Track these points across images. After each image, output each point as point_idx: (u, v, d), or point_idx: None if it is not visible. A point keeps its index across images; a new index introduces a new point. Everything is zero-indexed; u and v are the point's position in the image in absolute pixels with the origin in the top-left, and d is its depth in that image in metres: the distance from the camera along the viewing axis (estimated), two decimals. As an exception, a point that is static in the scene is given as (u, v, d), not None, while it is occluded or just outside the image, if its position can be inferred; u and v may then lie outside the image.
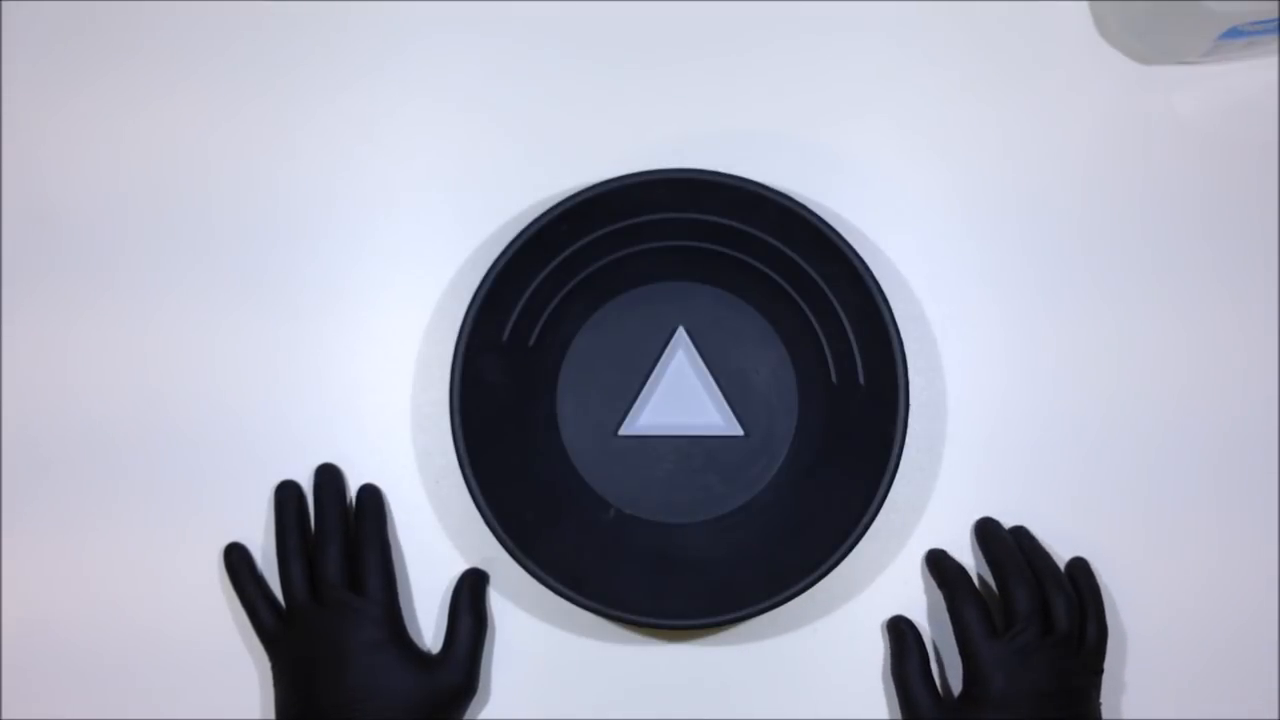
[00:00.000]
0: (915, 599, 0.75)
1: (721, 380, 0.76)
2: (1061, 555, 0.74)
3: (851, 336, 0.73)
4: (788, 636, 0.75)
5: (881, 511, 0.70)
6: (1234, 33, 0.72)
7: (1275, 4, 0.69)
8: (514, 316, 0.73)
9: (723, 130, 0.78)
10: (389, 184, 0.78)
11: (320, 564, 0.72)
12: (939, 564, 0.74)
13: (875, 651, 0.75)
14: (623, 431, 0.76)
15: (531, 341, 0.75)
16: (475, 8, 0.79)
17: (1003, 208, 0.77)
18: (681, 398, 0.76)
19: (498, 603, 0.75)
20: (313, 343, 0.77)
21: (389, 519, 0.75)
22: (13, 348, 0.77)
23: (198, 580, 0.76)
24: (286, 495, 0.75)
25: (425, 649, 0.74)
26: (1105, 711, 0.72)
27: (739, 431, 0.76)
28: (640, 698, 0.75)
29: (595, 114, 0.78)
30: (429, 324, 0.77)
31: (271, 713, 0.73)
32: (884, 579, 0.75)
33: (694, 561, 0.74)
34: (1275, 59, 0.78)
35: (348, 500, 0.75)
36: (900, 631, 0.73)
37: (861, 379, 0.73)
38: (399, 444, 0.76)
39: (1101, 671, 0.71)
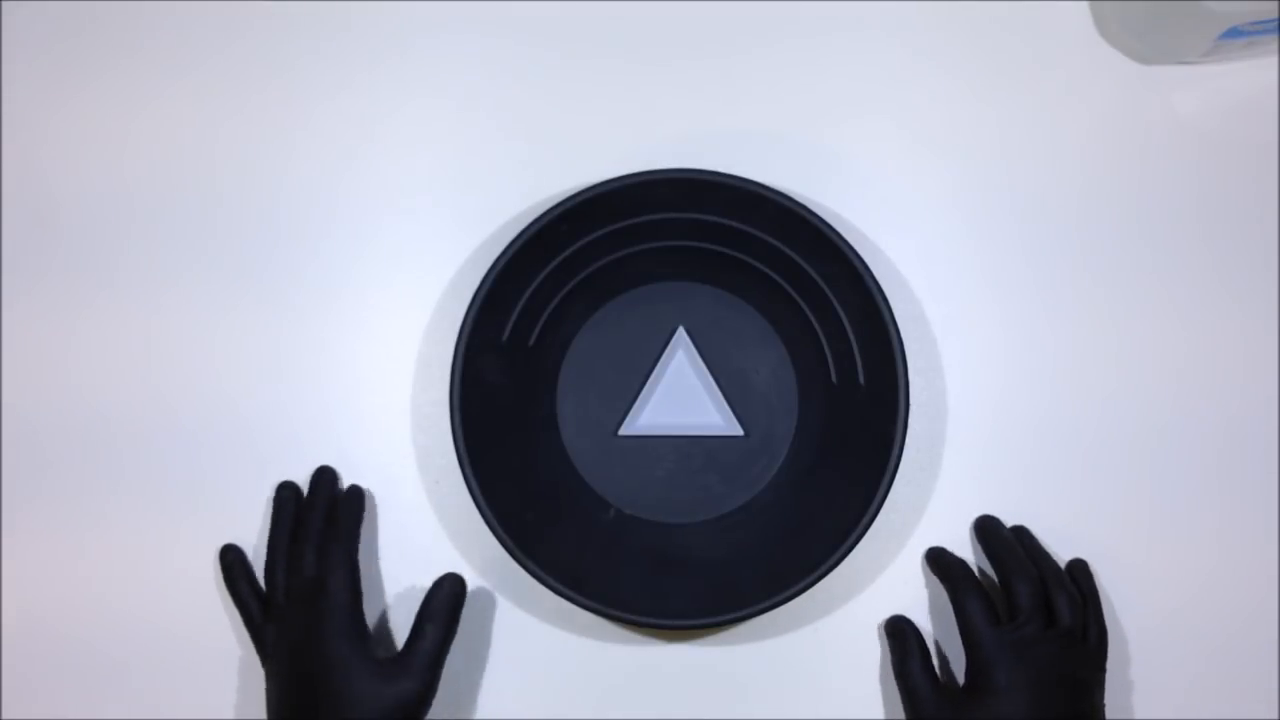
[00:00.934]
0: (915, 599, 0.75)
1: (721, 380, 0.76)
2: (1061, 555, 0.74)
3: (851, 336, 0.73)
4: (788, 636, 0.75)
5: (881, 511, 0.70)
6: (1234, 33, 0.72)
7: (1275, 4, 0.69)
8: (514, 316, 0.73)
9: (723, 130, 0.78)
10: (389, 184, 0.78)
11: (294, 562, 0.72)
12: (940, 559, 0.74)
13: (875, 651, 0.75)
14: (623, 431, 0.76)
15: (531, 341, 0.75)
16: (476, 8, 0.79)
17: (1003, 208, 0.77)
18: (681, 398, 0.76)
19: (498, 602, 0.75)
20: (313, 343, 0.77)
21: (370, 519, 0.75)
22: (12, 347, 0.77)
23: (196, 578, 0.76)
24: (284, 496, 0.75)
25: (393, 650, 0.74)
26: (1109, 711, 0.72)
27: (739, 431, 0.76)
28: (640, 698, 0.75)
29: (595, 114, 0.78)
30: (429, 324, 0.77)
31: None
32: (884, 579, 0.75)
33: (694, 561, 0.74)
34: (1275, 59, 0.78)
35: (336, 501, 0.75)
36: (900, 631, 0.73)
37: (861, 379, 0.73)
38: (399, 444, 0.76)
39: (1104, 670, 0.71)
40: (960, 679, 0.73)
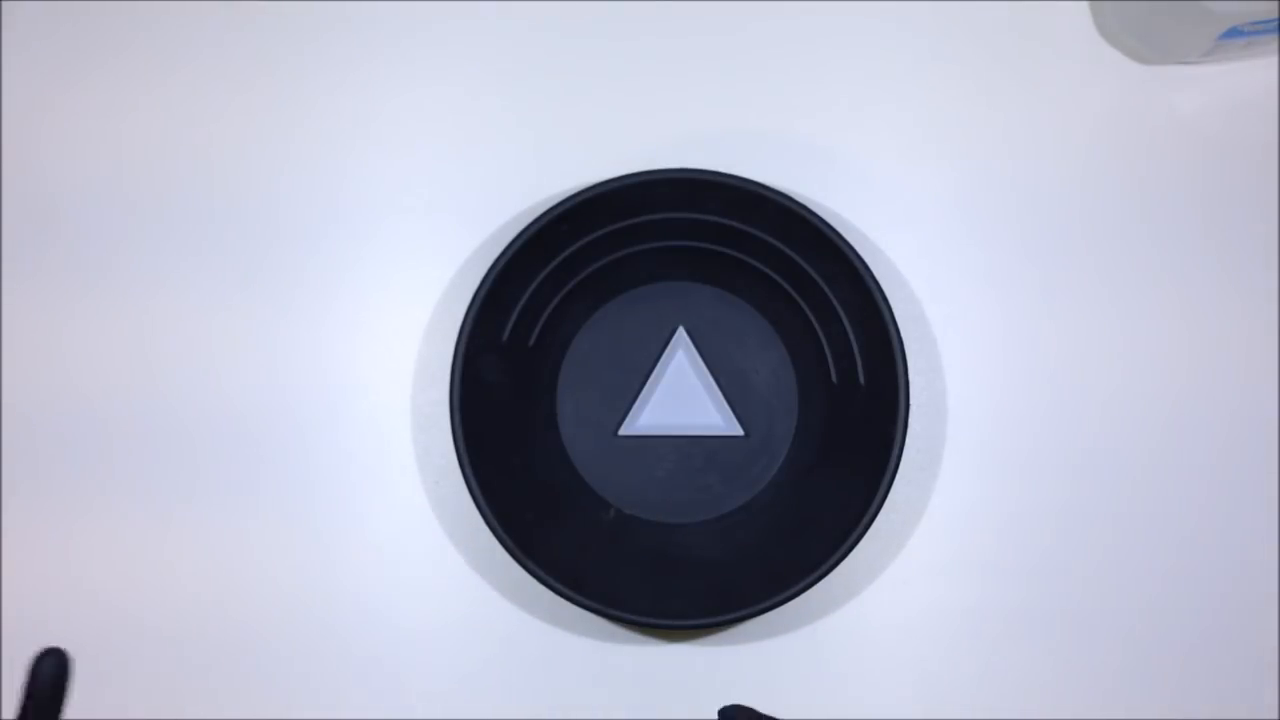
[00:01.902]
0: (915, 599, 0.75)
1: (721, 380, 0.76)
2: (1063, 555, 0.74)
3: (851, 336, 0.73)
4: (788, 636, 0.75)
5: (881, 511, 0.70)
6: (1234, 33, 0.72)
7: (1275, 4, 0.69)
8: (514, 316, 0.73)
9: (723, 130, 0.78)
10: (389, 183, 0.78)
11: None
12: None
13: (876, 652, 0.75)
14: (623, 431, 0.76)
15: (531, 341, 0.75)
16: (476, 7, 0.79)
17: (1003, 207, 0.77)
18: (681, 398, 0.76)
19: (497, 602, 0.75)
20: (312, 342, 0.77)
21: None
22: (12, 346, 0.77)
23: (193, 575, 0.75)
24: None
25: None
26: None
27: (739, 431, 0.76)
28: (640, 698, 0.75)
29: (595, 114, 0.78)
30: (429, 324, 0.77)
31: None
32: (884, 579, 0.75)
33: (694, 561, 0.74)
34: (1275, 59, 0.78)
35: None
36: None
37: (861, 379, 0.73)
38: (399, 444, 0.76)
39: None
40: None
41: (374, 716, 0.74)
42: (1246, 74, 0.78)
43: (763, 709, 0.75)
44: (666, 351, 0.76)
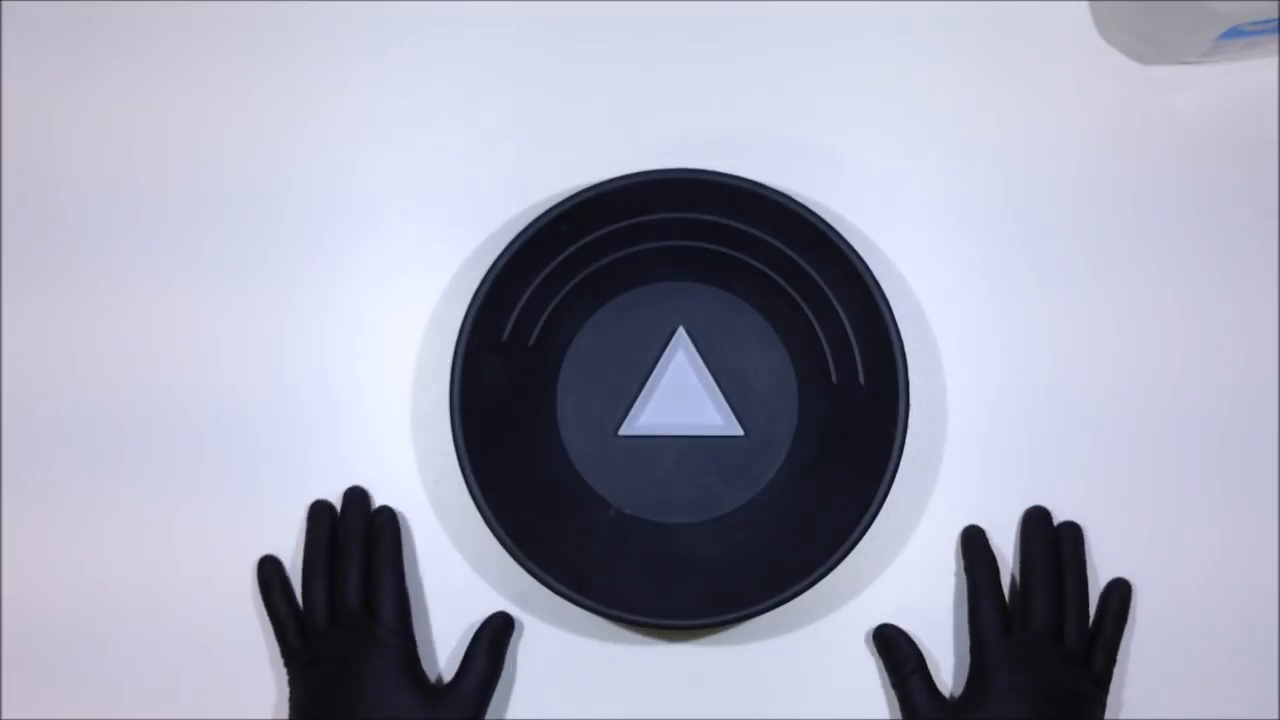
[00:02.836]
0: (915, 599, 0.75)
1: (721, 380, 0.76)
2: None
3: (851, 336, 0.73)
4: (788, 636, 0.75)
5: (881, 511, 0.70)
6: (1234, 33, 0.72)
7: (1275, 4, 0.69)
8: (514, 316, 0.73)
9: (723, 130, 0.78)
10: (389, 184, 0.78)
11: (339, 588, 0.72)
12: (971, 547, 0.73)
13: (875, 652, 0.75)
14: (623, 431, 0.76)
15: (531, 341, 0.75)
16: (477, 7, 0.79)
17: (1003, 207, 0.77)
18: (681, 398, 0.76)
19: (497, 602, 0.75)
20: (313, 342, 0.77)
21: (408, 542, 0.75)
22: (12, 344, 0.77)
23: (194, 572, 0.75)
24: (317, 515, 0.74)
25: (436, 676, 0.74)
26: (1105, 712, 0.72)
27: (739, 431, 0.76)
28: (640, 698, 0.75)
29: (595, 114, 0.78)
30: (429, 324, 0.77)
31: (278, 706, 0.73)
32: (884, 579, 0.75)
33: (694, 561, 0.74)
34: (1275, 59, 0.78)
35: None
36: (890, 639, 0.73)
37: (861, 379, 0.73)
38: (399, 444, 0.76)
39: (1107, 692, 0.71)
40: (950, 682, 0.73)
41: (374, 716, 0.74)
42: (1246, 74, 0.78)
43: (763, 709, 0.75)
44: (666, 351, 0.76)
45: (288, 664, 0.73)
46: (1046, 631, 0.70)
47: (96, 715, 0.75)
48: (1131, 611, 0.74)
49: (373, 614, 0.72)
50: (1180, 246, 0.77)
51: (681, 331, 0.76)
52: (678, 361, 0.76)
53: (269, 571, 0.74)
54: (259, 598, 0.74)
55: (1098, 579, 0.74)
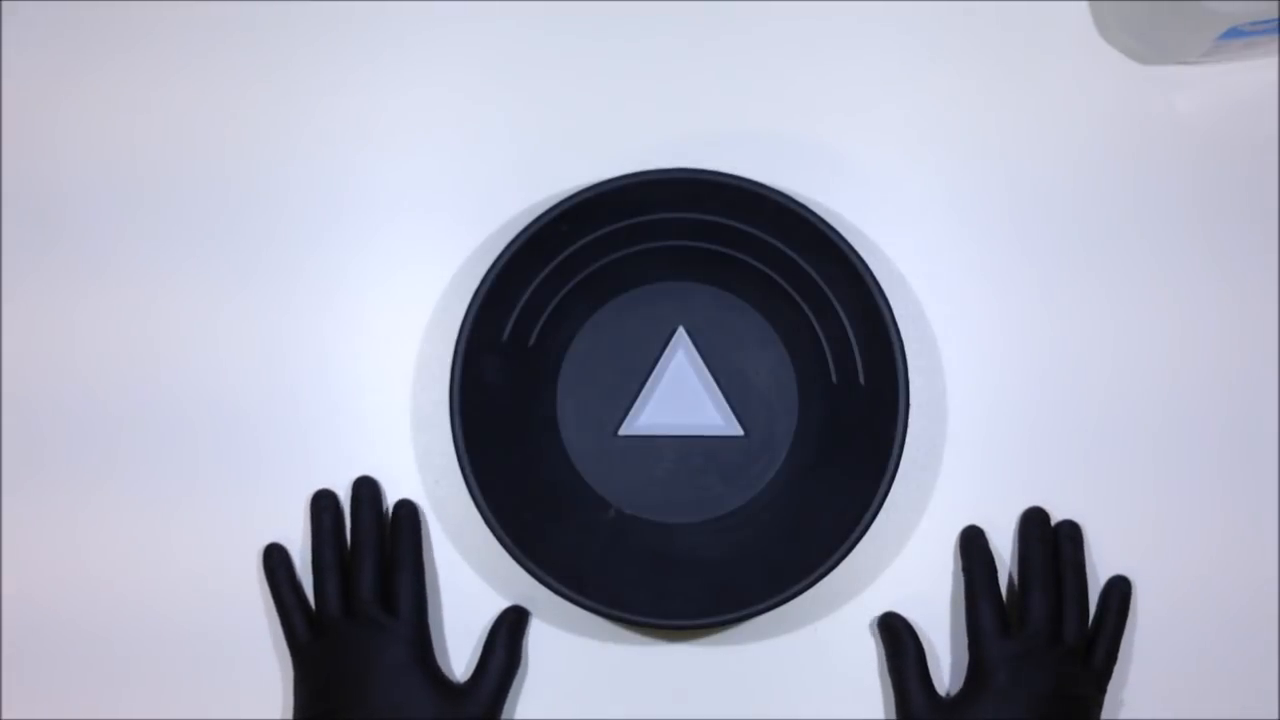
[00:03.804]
0: (915, 599, 0.75)
1: (721, 380, 0.76)
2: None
3: (851, 336, 0.73)
4: (788, 636, 0.75)
5: (881, 511, 0.70)
6: (1234, 33, 0.72)
7: (1275, 4, 0.69)
8: (514, 316, 0.73)
9: (723, 130, 0.78)
10: (389, 184, 0.78)
11: (355, 580, 0.72)
12: (970, 546, 0.74)
13: (876, 651, 0.75)
14: (623, 431, 0.76)
15: (531, 341, 0.75)
16: (477, 7, 0.79)
17: (1003, 207, 0.77)
18: (681, 398, 0.76)
19: (498, 602, 0.75)
20: (313, 342, 0.77)
21: (426, 536, 0.75)
22: (12, 341, 0.77)
23: (194, 571, 0.75)
24: (324, 505, 0.74)
25: (452, 676, 0.74)
26: (1105, 712, 0.72)
27: (739, 431, 0.76)
28: (640, 698, 0.75)
29: (595, 114, 0.78)
30: (429, 324, 0.77)
31: (287, 711, 0.73)
32: (884, 579, 0.75)
33: (694, 561, 0.74)
34: (1275, 59, 0.78)
35: (385, 515, 0.75)
36: (894, 629, 0.73)
37: (861, 379, 0.73)
38: (399, 444, 0.76)
39: (1105, 691, 0.71)
40: (948, 681, 0.73)
41: (374, 716, 0.74)
42: (1246, 74, 0.78)
43: (763, 709, 0.75)
44: (666, 351, 0.76)
45: (294, 655, 0.72)
46: (1045, 630, 0.70)
47: (99, 711, 0.75)
48: (1131, 610, 0.74)
49: (389, 608, 0.71)
50: (1180, 246, 0.77)
51: (681, 331, 0.76)
52: (678, 361, 0.76)
53: (275, 560, 0.74)
54: (261, 593, 0.74)
55: (1097, 578, 0.74)
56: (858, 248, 0.72)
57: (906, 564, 0.75)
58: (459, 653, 0.75)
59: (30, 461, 0.77)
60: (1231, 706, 0.74)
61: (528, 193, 0.77)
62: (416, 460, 0.76)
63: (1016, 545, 0.74)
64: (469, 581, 0.75)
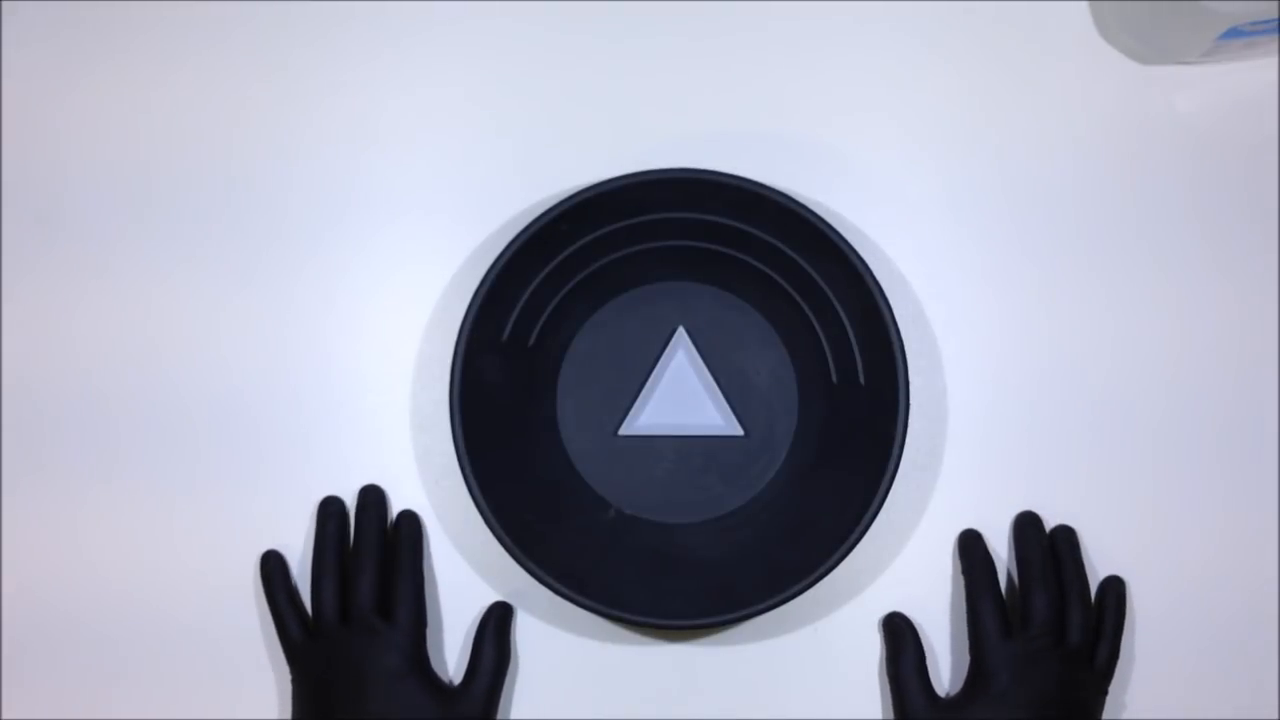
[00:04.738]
0: (915, 599, 0.75)
1: (721, 380, 0.76)
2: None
3: (851, 336, 0.73)
4: (788, 636, 0.75)
5: (881, 511, 0.70)
6: (1234, 33, 0.72)
7: (1275, 4, 0.69)
8: (514, 316, 0.73)
9: (723, 130, 0.78)
10: (389, 183, 0.78)
11: (353, 587, 0.72)
12: (968, 551, 0.73)
13: (875, 652, 0.75)
14: (623, 431, 0.76)
15: (531, 341, 0.75)
16: (476, 7, 0.79)
17: (1003, 207, 0.77)
18: (681, 398, 0.76)
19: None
20: (312, 342, 0.77)
21: (426, 546, 0.75)
22: (12, 339, 0.77)
23: (194, 571, 0.75)
24: (329, 512, 0.74)
25: (447, 680, 0.74)
26: (1105, 711, 0.72)
27: (739, 431, 0.76)
28: (640, 698, 0.75)
29: (595, 113, 0.78)
30: (429, 324, 0.77)
31: (285, 712, 0.73)
32: (884, 579, 0.75)
33: (694, 561, 0.74)
34: (1275, 59, 0.78)
35: (388, 524, 0.75)
36: (897, 629, 0.73)
37: (861, 379, 0.73)
38: (399, 444, 0.76)
39: (1106, 693, 0.71)
40: (948, 684, 0.73)
41: (374, 716, 0.74)
42: (1246, 74, 0.78)
43: (763, 709, 0.75)
44: (666, 351, 0.76)
45: (290, 661, 0.72)
46: (1047, 630, 0.70)
47: (97, 711, 0.75)
48: (1131, 610, 0.74)
49: (386, 616, 0.72)
50: (1180, 247, 0.77)
51: (681, 331, 0.76)
52: (678, 361, 0.76)
53: (271, 567, 0.74)
54: (260, 595, 0.74)
55: (1096, 578, 0.74)
56: (858, 248, 0.72)
57: (906, 564, 0.75)
58: (460, 653, 0.75)
59: (30, 462, 0.77)
60: (1231, 706, 0.74)
61: (528, 193, 0.77)
62: (417, 460, 0.76)
63: (1013, 548, 0.74)
64: (469, 581, 0.75)
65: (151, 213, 0.78)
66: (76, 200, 0.78)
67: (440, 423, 0.72)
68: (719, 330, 0.76)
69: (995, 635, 0.70)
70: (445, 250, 0.77)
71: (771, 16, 0.79)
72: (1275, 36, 0.74)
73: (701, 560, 0.74)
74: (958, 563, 0.75)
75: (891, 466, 0.70)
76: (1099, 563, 0.75)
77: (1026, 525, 0.74)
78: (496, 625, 0.73)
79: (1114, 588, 0.73)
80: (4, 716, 0.75)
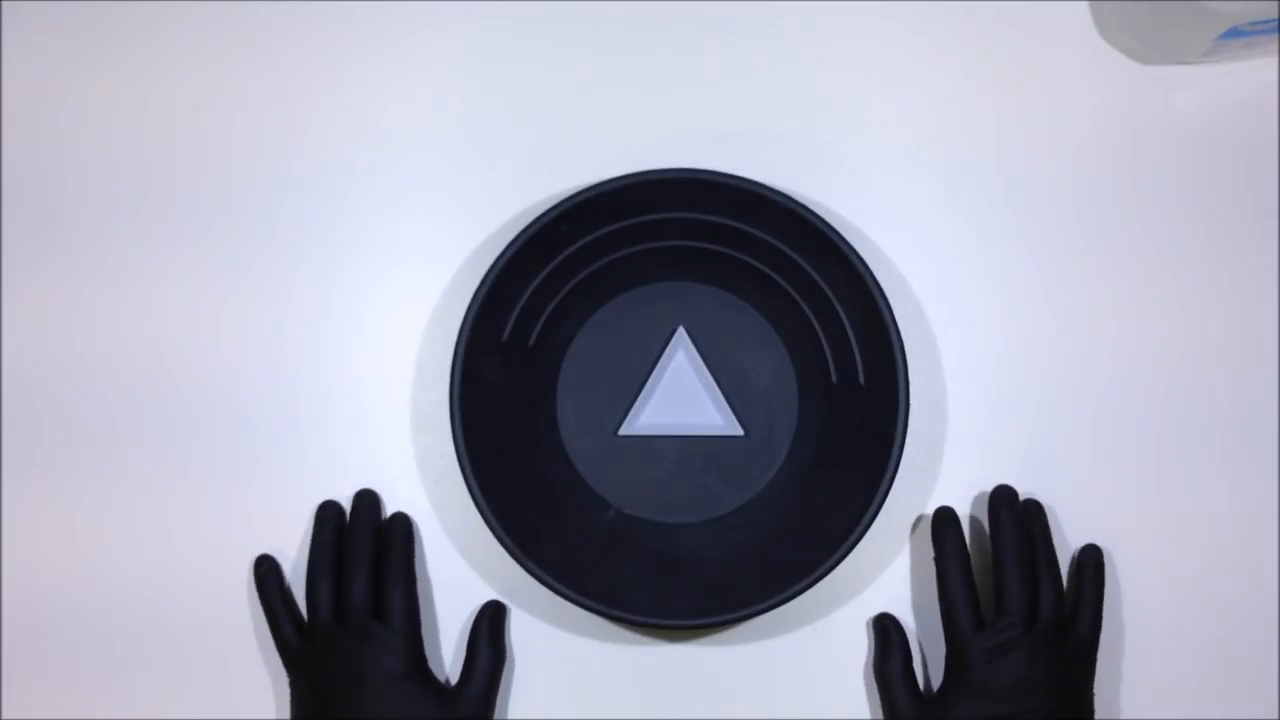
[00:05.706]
0: (915, 599, 0.75)
1: (721, 380, 0.76)
2: (1062, 554, 0.74)
3: (851, 336, 0.73)
4: (788, 636, 0.75)
5: (881, 511, 0.70)
6: (1234, 33, 0.72)
7: (1275, 4, 0.69)
8: (514, 316, 0.73)
9: (723, 130, 0.78)
10: (389, 183, 0.78)
11: (346, 589, 0.72)
12: (941, 534, 0.72)
13: (873, 652, 0.75)
14: (623, 431, 0.76)
15: (531, 341, 0.75)
16: (476, 7, 0.79)
17: (1003, 207, 0.77)
18: (681, 398, 0.76)
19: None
20: (312, 341, 0.77)
21: (419, 547, 0.75)
22: (12, 337, 0.77)
23: (193, 571, 0.75)
24: (326, 515, 0.74)
25: (444, 679, 0.74)
26: (1105, 708, 0.72)
27: (739, 431, 0.76)
28: (640, 698, 0.75)
29: (595, 113, 0.78)
30: (429, 324, 0.77)
31: (283, 712, 0.74)
32: (884, 579, 0.75)
33: (694, 561, 0.74)
34: (1275, 59, 0.78)
35: (381, 526, 0.75)
36: (885, 629, 0.73)
37: (861, 379, 0.73)
38: (399, 444, 0.76)
39: (1093, 661, 0.71)
40: (939, 681, 0.73)
41: (374, 716, 0.74)
42: (1246, 74, 0.78)
43: (763, 709, 0.75)
44: (666, 351, 0.76)
45: (287, 665, 0.73)
46: (1019, 612, 0.70)
47: (94, 711, 0.75)
48: (1131, 610, 0.74)
49: (380, 618, 0.72)
50: (1180, 246, 0.77)
51: (681, 331, 0.76)
52: (678, 361, 0.76)
53: (265, 570, 0.74)
54: (256, 596, 0.74)
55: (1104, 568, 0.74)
56: (858, 248, 0.72)
57: (906, 564, 0.75)
58: (460, 651, 0.75)
59: (28, 462, 0.77)
60: (1231, 706, 0.74)
61: (528, 193, 0.77)
62: (416, 460, 0.76)
63: (988, 528, 0.73)
64: (469, 581, 0.75)
65: (150, 212, 0.78)
66: (76, 199, 0.78)
67: (440, 423, 0.72)
68: (719, 330, 0.76)
69: (968, 629, 0.70)
70: (445, 250, 0.77)
71: (772, 16, 0.79)
72: (1275, 36, 0.74)
73: (701, 560, 0.74)
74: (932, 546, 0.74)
75: (891, 466, 0.70)
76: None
77: (998, 502, 0.73)
78: (490, 624, 0.73)
79: (1091, 555, 0.73)
80: (3, 717, 0.75)
